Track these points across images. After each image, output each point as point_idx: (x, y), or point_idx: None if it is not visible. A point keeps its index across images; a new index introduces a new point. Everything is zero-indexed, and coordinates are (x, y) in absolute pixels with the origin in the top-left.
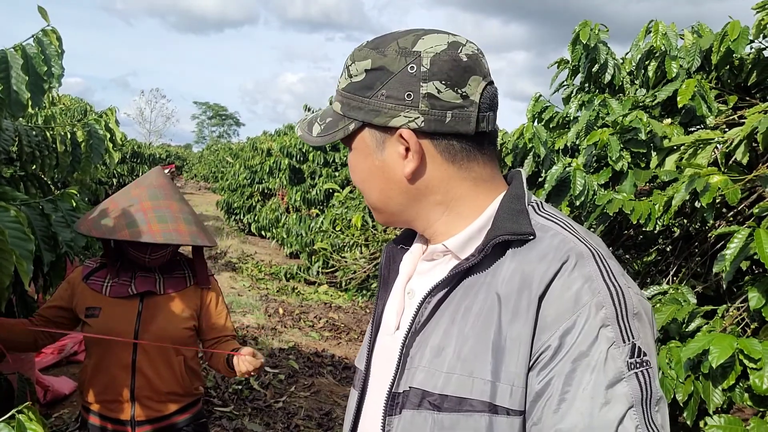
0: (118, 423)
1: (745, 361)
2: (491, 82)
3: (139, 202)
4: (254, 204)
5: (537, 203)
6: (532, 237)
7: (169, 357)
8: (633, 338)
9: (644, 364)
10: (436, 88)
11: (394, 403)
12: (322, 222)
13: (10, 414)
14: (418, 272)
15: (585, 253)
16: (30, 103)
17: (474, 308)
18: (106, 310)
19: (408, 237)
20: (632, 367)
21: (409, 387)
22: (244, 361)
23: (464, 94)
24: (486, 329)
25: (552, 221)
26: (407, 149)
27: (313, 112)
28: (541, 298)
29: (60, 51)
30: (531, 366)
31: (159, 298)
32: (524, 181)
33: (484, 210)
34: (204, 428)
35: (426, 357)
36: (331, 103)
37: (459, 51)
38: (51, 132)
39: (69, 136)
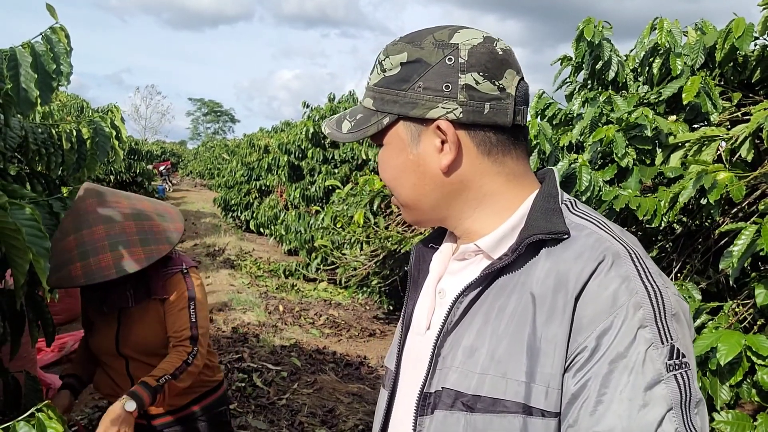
0: (139, 416)
1: (753, 358)
2: (523, 78)
3: (66, 237)
4: (252, 201)
5: (570, 202)
6: (566, 236)
7: (157, 360)
8: (671, 339)
9: (683, 365)
10: (474, 79)
11: (425, 403)
12: (322, 219)
13: (29, 412)
14: (450, 272)
15: (621, 253)
16: (39, 101)
17: (508, 308)
18: (95, 326)
19: (437, 237)
20: (671, 368)
21: (442, 387)
22: None
23: (501, 86)
24: (520, 330)
25: (587, 220)
26: (443, 142)
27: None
28: (577, 298)
29: (68, 48)
30: (567, 367)
31: (132, 309)
32: (557, 179)
33: (517, 208)
34: (221, 416)
35: (458, 358)
36: (355, 101)
37: (495, 45)
38: (56, 129)
39: (75, 133)
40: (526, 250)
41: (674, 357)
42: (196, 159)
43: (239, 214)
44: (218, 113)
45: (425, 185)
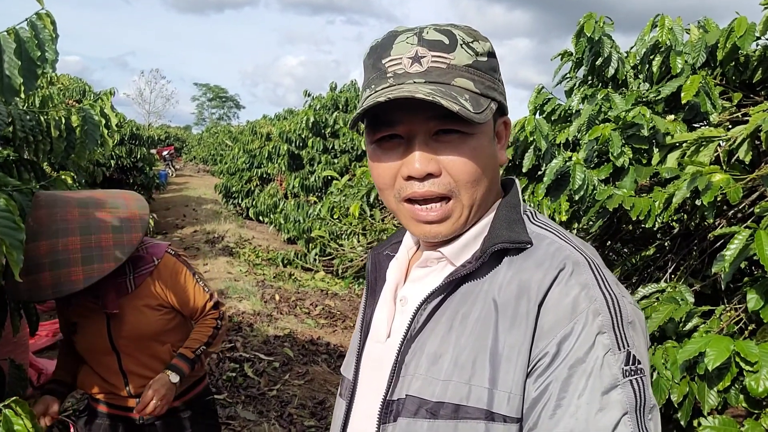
0: (127, 410)
1: (741, 364)
2: None
3: (36, 241)
4: (252, 188)
5: (531, 213)
6: (529, 246)
7: (153, 350)
8: (628, 346)
9: (638, 371)
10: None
11: (388, 410)
12: (320, 209)
13: None
14: (412, 279)
15: (581, 262)
16: (22, 88)
17: (472, 315)
18: (80, 325)
19: (392, 244)
20: (627, 374)
21: (406, 395)
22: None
23: None
24: (483, 337)
25: (547, 230)
26: (499, 138)
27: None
28: (540, 305)
29: (54, 35)
30: (529, 372)
31: (121, 300)
32: (519, 190)
33: (483, 216)
34: (209, 404)
35: (423, 365)
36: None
37: None
38: (45, 116)
39: (63, 120)
40: (489, 258)
41: (630, 363)
42: (200, 144)
43: (240, 202)
44: (223, 99)
45: (492, 180)
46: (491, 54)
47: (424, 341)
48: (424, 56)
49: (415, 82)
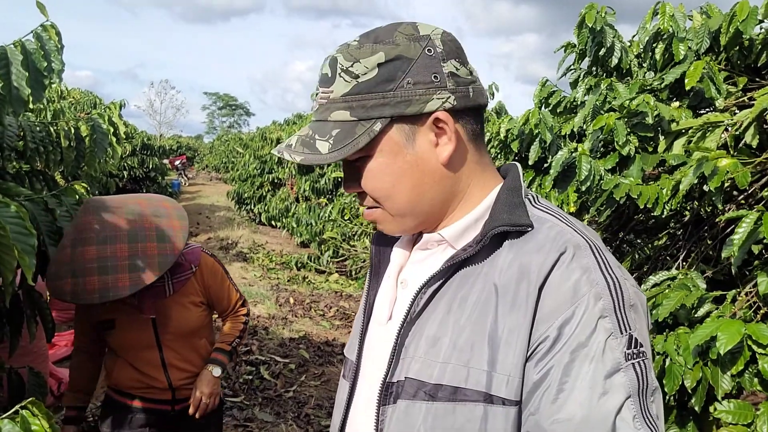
0: (162, 402)
1: (754, 347)
2: None
3: (63, 249)
4: (264, 194)
5: (533, 196)
6: (529, 229)
7: (193, 344)
8: (630, 329)
9: (641, 355)
10: (454, 66)
11: (388, 393)
12: (330, 211)
13: (13, 409)
14: (412, 261)
15: (582, 245)
16: (31, 99)
17: (470, 298)
18: (120, 321)
19: None
20: (629, 357)
21: (405, 377)
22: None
23: (470, 69)
24: (482, 319)
25: (548, 214)
26: (438, 135)
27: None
28: (540, 288)
29: (59, 46)
30: (529, 356)
31: (164, 302)
32: (521, 174)
33: (482, 200)
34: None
35: (422, 347)
36: (310, 119)
37: (450, 34)
38: (55, 127)
39: (73, 131)
40: (489, 241)
41: (632, 346)
42: (211, 153)
43: (252, 207)
44: (233, 107)
45: (424, 185)
46: (382, 64)
47: (423, 324)
48: (318, 93)
49: (311, 121)
